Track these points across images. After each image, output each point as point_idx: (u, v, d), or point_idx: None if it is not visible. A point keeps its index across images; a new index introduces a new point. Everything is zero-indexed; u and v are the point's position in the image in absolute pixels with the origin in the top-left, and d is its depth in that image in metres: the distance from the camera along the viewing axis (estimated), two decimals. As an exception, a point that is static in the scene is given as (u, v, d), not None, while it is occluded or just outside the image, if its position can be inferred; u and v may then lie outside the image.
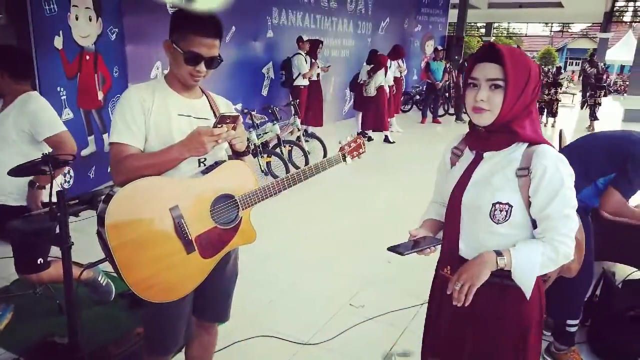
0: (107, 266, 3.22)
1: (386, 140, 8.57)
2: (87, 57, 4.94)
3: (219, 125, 1.55)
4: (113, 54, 5.36)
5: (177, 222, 1.55)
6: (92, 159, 5.20)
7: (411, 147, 8.46)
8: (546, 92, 10.97)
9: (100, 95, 5.21)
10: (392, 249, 1.40)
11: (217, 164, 1.69)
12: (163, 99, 1.67)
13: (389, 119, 9.50)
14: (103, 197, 1.53)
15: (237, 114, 1.58)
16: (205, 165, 1.71)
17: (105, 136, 5.31)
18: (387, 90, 8.68)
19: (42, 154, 2.10)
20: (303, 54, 7.76)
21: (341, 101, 10.78)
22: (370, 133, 8.60)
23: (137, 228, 1.49)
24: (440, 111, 11.30)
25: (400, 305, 3.00)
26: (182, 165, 1.62)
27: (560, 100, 11.55)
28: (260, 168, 5.48)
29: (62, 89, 4.56)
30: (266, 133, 5.73)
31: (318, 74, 8.38)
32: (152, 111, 1.64)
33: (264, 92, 8.27)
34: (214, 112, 1.79)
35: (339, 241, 4.11)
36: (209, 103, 1.80)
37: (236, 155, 1.76)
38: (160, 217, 1.52)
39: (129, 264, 1.47)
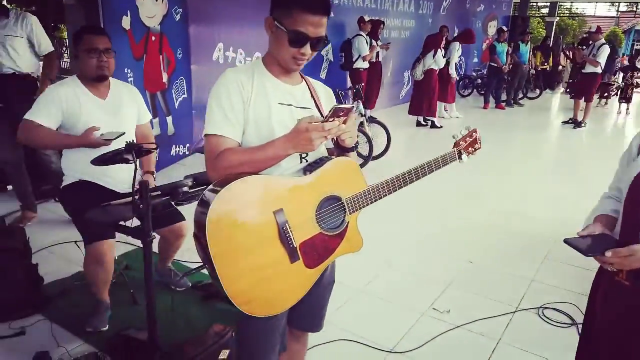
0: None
1: (433, 125, 8.16)
2: (153, 38, 4.86)
3: (331, 119, 1.34)
4: (177, 35, 5.27)
5: (281, 228, 1.36)
6: (157, 142, 5.15)
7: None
8: (622, 76, 10.23)
9: (165, 77, 5.14)
10: (571, 244, 1.22)
11: (321, 160, 1.49)
12: (262, 85, 1.48)
13: (451, 103, 9.08)
14: (201, 197, 1.36)
15: (350, 105, 1.37)
16: (307, 161, 1.52)
17: (169, 119, 5.26)
18: (454, 73, 8.20)
19: (125, 142, 1.98)
20: (364, 35, 7.45)
21: (399, 84, 10.40)
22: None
23: (240, 234, 1.31)
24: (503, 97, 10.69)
25: (488, 312, 2.75)
26: (283, 161, 1.43)
27: (636, 85, 10.70)
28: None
29: (129, 71, 4.51)
30: (329, 118, 5.50)
31: (377, 54, 8.05)
32: (252, 99, 1.45)
33: (322, 75, 8.03)
34: (314, 101, 1.59)
35: (411, 238, 3.87)
36: (309, 90, 1.60)
37: (340, 150, 1.55)
38: (265, 222, 1.34)
39: (229, 273, 1.30)
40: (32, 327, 2.50)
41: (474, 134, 1.77)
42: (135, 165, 1.98)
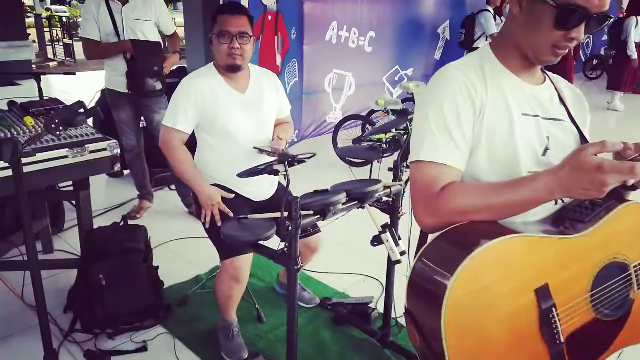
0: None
1: None
2: (269, 17, 4.53)
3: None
4: (292, 13, 4.90)
5: (544, 314, 0.88)
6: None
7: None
8: None
9: (278, 60, 4.81)
10: None
11: (595, 206, 0.98)
12: (499, 87, 1.01)
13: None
14: (420, 260, 0.91)
15: None
16: (562, 201, 1.02)
17: (281, 104, 4.95)
18: (633, 54, 6.87)
19: (278, 153, 1.61)
20: (491, 10, 6.62)
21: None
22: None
23: (488, 324, 0.85)
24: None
25: None
26: None
27: None
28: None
29: (245, 53, 4.22)
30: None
31: (502, 34, 7.16)
32: (486, 108, 0.98)
33: (437, 55, 7.33)
34: (565, 107, 1.08)
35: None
36: (557, 91, 1.09)
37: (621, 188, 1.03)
38: (521, 306, 0.87)
39: (470, 383, 0.85)
40: (153, 342, 2.27)
41: None
42: (287, 178, 1.59)
